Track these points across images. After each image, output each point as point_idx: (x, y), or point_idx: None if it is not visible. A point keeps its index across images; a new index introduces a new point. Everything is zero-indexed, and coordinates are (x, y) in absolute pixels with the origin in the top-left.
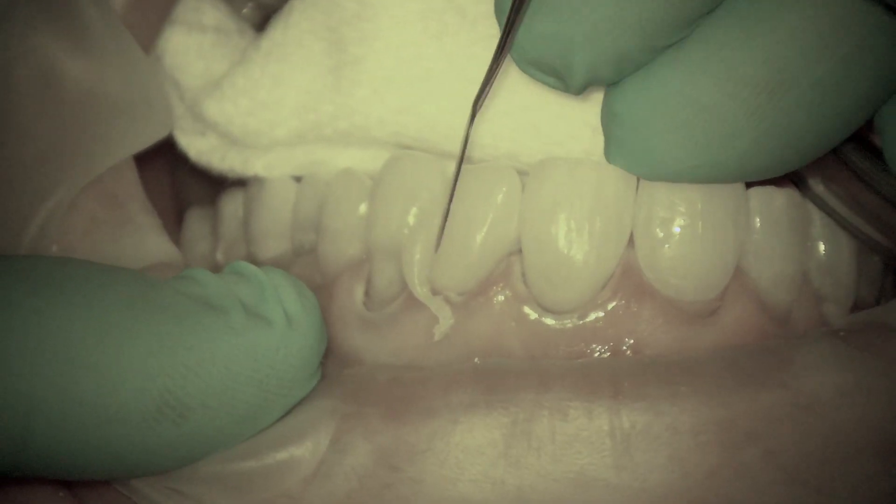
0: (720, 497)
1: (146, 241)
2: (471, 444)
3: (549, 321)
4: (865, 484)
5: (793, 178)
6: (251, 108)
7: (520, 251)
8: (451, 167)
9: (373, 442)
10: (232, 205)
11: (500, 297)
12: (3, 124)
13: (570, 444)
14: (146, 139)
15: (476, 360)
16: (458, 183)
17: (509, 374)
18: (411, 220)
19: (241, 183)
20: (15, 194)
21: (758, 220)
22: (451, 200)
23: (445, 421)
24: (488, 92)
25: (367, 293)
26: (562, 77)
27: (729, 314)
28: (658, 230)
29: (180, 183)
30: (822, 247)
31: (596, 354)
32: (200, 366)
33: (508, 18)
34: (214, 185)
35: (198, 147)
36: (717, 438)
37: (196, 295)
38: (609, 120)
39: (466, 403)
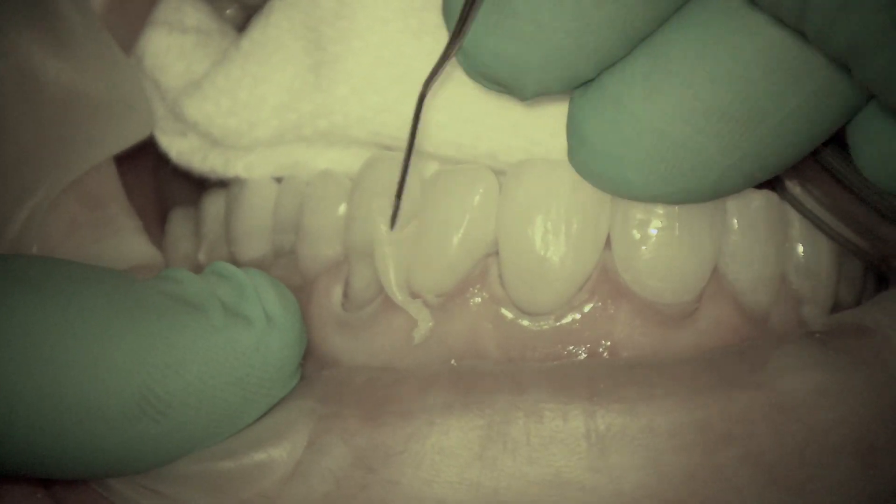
0: (697, 499)
1: (126, 242)
2: (446, 445)
3: (526, 323)
4: (843, 484)
5: (770, 181)
6: (232, 108)
7: (497, 253)
8: (431, 167)
9: (350, 443)
10: (214, 205)
11: (477, 299)
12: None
13: (545, 447)
14: (126, 140)
15: (453, 361)
16: (407, 175)
17: (485, 376)
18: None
19: (223, 183)
20: (4, 185)
21: (735, 221)
22: (401, 188)
23: (421, 423)
24: (428, 89)
25: (345, 294)
26: (510, 90)
27: (706, 316)
28: (635, 232)
29: (163, 183)
30: (800, 248)
31: (573, 356)
32: (180, 363)
33: (458, 21)
34: (197, 185)
35: (179, 148)
36: (693, 440)
37: (176, 294)
38: (577, 143)
39: (442, 405)
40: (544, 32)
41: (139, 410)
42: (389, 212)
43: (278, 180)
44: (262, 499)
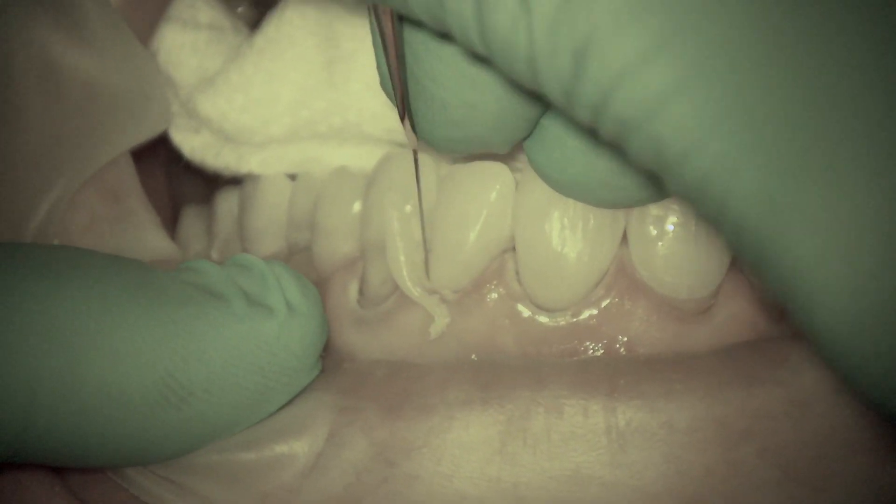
0: (716, 495)
1: (145, 237)
2: (467, 440)
3: (543, 319)
4: (861, 480)
5: None
6: (245, 105)
7: (513, 249)
8: (446, 164)
9: (370, 437)
10: (226, 203)
11: (494, 295)
12: (4, 117)
13: (565, 442)
14: (145, 132)
15: (473, 356)
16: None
17: (506, 372)
18: (404, 217)
19: (235, 181)
20: (16, 187)
21: None
22: (419, 184)
23: (442, 417)
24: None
25: (361, 291)
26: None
27: (723, 312)
28: (651, 228)
29: (175, 181)
30: None
31: (590, 352)
32: (203, 351)
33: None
34: (209, 182)
35: (192, 144)
36: (712, 436)
37: (198, 283)
38: (544, 178)
39: (463, 400)
40: (478, 112)
41: (161, 397)
42: (402, 206)
43: (292, 177)
44: (283, 491)
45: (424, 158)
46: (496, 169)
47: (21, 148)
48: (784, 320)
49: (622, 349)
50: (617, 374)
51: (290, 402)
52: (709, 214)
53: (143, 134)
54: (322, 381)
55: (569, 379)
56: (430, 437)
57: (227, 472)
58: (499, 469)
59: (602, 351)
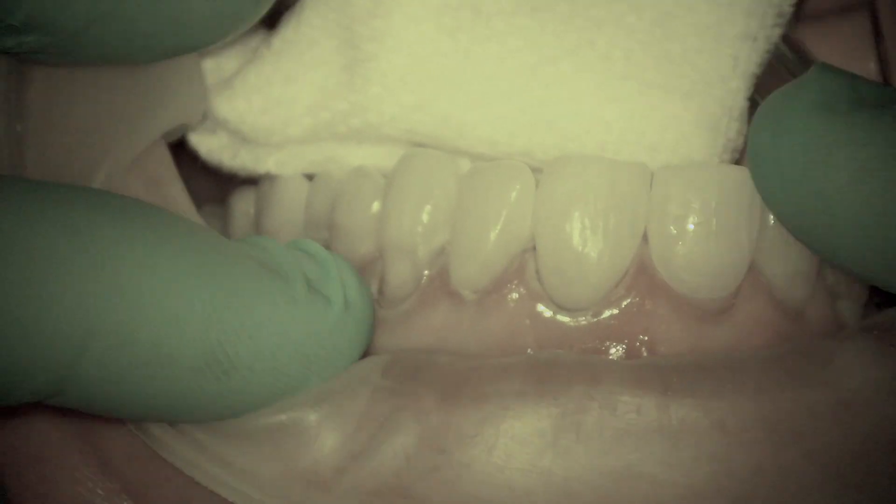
0: (764, 495)
1: None
2: (520, 432)
3: (564, 319)
4: None
5: None
6: (264, 106)
7: (534, 249)
8: (465, 164)
9: (423, 423)
10: (243, 203)
11: (515, 295)
12: (55, 93)
13: (618, 438)
14: (185, 115)
15: (529, 350)
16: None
17: (561, 366)
18: (425, 217)
19: (251, 181)
20: (62, 171)
21: (771, 217)
22: None
23: (496, 407)
24: None
25: (380, 291)
26: None
27: (743, 311)
28: (672, 227)
29: (190, 181)
30: None
31: (611, 352)
32: (255, 329)
33: None
34: (224, 183)
35: (208, 145)
36: (761, 436)
37: (262, 259)
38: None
39: (517, 392)
40: None
41: (205, 366)
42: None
43: (309, 177)
44: (333, 471)
45: (442, 158)
46: (516, 168)
47: (70, 129)
48: (802, 319)
49: (643, 348)
50: (670, 372)
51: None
52: None
53: (183, 116)
54: (371, 363)
55: (623, 376)
56: (483, 426)
57: (253, 437)
58: (551, 462)
59: (623, 351)
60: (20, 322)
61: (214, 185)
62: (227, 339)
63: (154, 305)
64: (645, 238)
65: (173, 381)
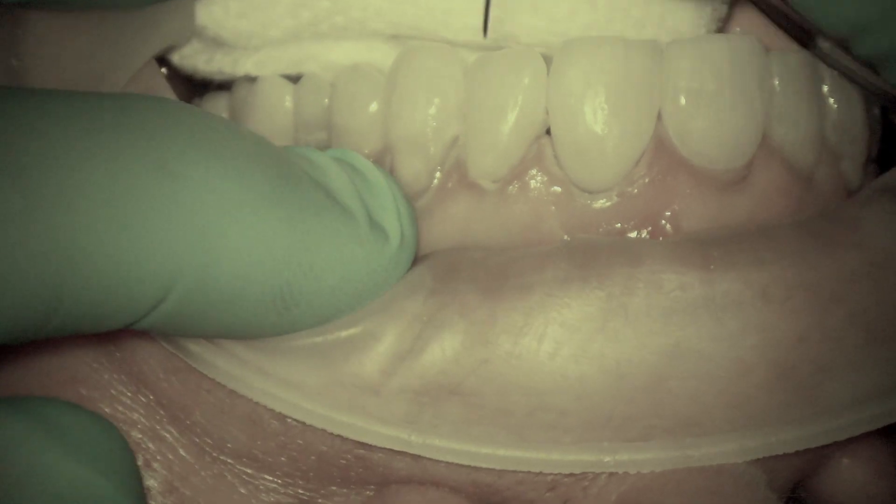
0: (809, 361)
1: None
2: (568, 318)
3: (587, 201)
4: None
5: (799, 38)
6: (242, 10)
7: (548, 133)
8: (467, 56)
9: (469, 318)
10: (214, 109)
11: (535, 182)
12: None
13: (666, 317)
14: (176, 36)
15: (566, 237)
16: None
17: (601, 250)
18: (434, 110)
19: (223, 86)
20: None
21: (777, 82)
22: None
23: (541, 296)
24: None
25: None
26: None
27: (759, 179)
28: (687, 101)
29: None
30: (834, 105)
31: (635, 231)
32: (322, 268)
33: None
34: (192, 89)
35: (181, 52)
36: (804, 303)
37: (328, 188)
38: None
39: (562, 278)
40: None
41: (270, 302)
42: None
43: (291, 78)
44: (378, 374)
45: (445, 50)
46: (527, 54)
47: (66, 62)
48: (812, 183)
49: (667, 225)
50: (709, 246)
51: None
52: None
53: (173, 38)
54: (416, 264)
55: (663, 254)
56: (530, 316)
57: (298, 352)
58: (601, 346)
59: (648, 228)
60: (118, 257)
61: (182, 93)
62: (295, 278)
63: (234, 248)
64: (660, 115)
65: (237, 315)
